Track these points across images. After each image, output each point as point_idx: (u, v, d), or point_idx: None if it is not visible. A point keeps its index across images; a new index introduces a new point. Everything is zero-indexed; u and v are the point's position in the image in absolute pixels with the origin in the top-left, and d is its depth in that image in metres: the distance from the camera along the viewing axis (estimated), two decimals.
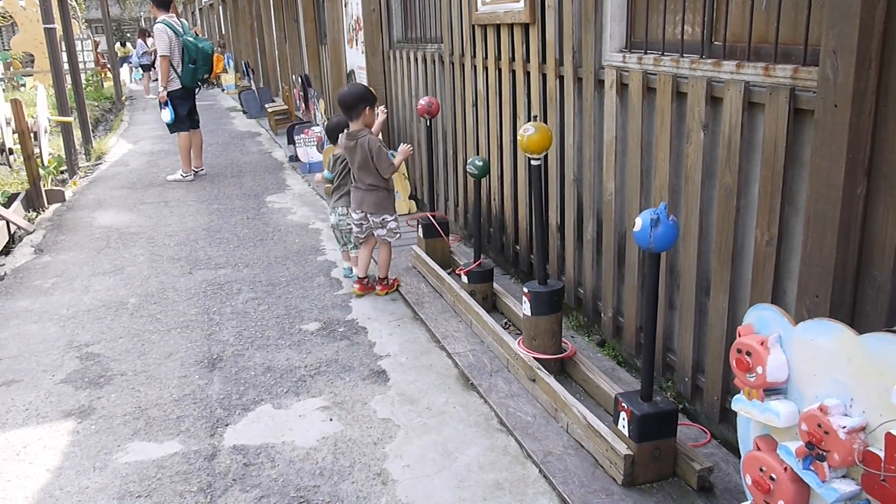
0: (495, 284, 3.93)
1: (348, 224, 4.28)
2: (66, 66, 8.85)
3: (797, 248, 2.23)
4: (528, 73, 3.80)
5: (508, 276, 4.41)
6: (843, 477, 1.63)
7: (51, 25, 7.89)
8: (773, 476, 1.78)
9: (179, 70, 7.31)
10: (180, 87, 7.36)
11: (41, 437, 2.92)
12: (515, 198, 4.17)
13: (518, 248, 4.22)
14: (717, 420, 2.62)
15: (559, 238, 3.73)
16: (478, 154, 4.57)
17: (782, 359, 1.76)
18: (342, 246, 4.50)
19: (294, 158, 8.20)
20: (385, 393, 3.12)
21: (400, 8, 6.01)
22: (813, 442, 1.62)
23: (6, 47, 20.64)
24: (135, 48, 21.20)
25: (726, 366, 2.50)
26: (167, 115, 7.36)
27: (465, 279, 3.87)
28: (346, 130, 4.02)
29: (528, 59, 3.77)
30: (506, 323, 3.72)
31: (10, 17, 16.34)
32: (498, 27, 4.05)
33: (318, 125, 7.90)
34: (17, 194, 6.52)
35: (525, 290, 3.07)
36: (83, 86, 10.47)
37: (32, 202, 6.54)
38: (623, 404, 2.41)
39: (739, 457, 1.96)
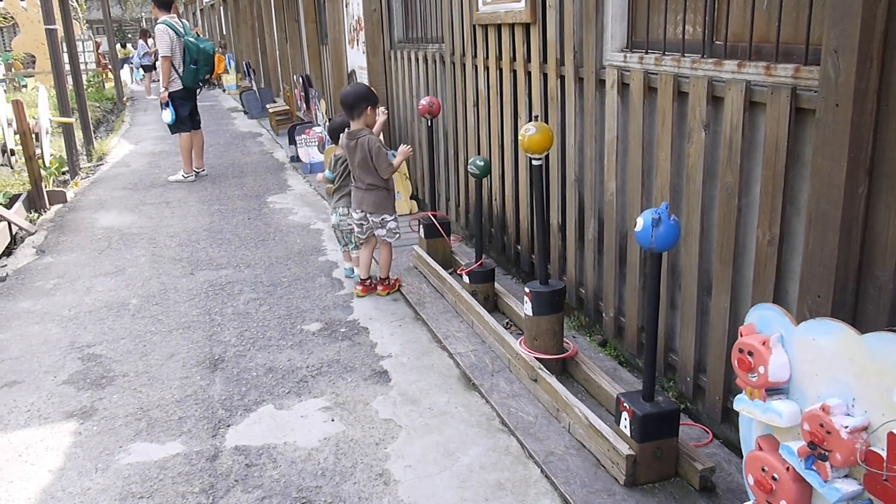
0: (497, 284, 3.93)
1: (349, 224, 4.28)
2: (67, 67, 8.86)
3: (799, 247, 2.23)
4: (529, 73, 3.80)
5: (510, 277, 4.41)
6: (846, 477, 1.63)
7: (52, 26, 7.91)
8: (776, 476, 1.78)
9: (181, 71, 7.31)
10: (181, 87, 7.37)
11: (43, 438, 2.92)
12: (517, 198, 4.17)
13: (519, 248, 4.22)
14: (719, 420, 2.62)
15: (560, 238, 3.73)
16: (479, 154, 4.57)
17: (784, 359, 1.76)
18: (343, 246, 4.50)
19: (295, 159, 8.20)
20: (387, 393, 3.12)
21: (401, 8, 6.02)
22: (815, 442, 1.62)
23: (7, 48, 20.66)
24: (136, 49, 21.24)
25: (728, 366, 2.50)
26: (168, 115, 7.37)
27: (466, 279, 3.87)
28: (346, 130, 4.02)
29: (529, 59, 3.77)
30: (507, 323, 3.72)
31: (12, 18, 16.35)
32: (499, 27, 4.05)
33: (319, 125, 7.90)
34: (19, 195, 6.53)
35: (526, 290, 3.07)
36: (84, 87, 10.48)
37: (34, 203, 6.55)
38: (625, 404, 2.41)
39: (741, 457, 1.95)
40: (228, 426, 2.93)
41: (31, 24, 14.54)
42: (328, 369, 3.36)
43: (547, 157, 3.46)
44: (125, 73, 20.77)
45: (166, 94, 7.31)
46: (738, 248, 2.46)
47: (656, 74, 2.76)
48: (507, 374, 3.17)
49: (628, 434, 2.40)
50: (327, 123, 6.99)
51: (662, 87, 2.72)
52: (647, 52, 2.90)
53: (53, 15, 8.01)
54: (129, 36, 35.14)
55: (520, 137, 2.92)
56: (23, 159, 6.62)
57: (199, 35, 8.14)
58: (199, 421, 2.98)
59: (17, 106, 6.43)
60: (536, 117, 3.11)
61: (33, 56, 15.82)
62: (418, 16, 5.63)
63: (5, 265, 5.11)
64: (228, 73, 17.19)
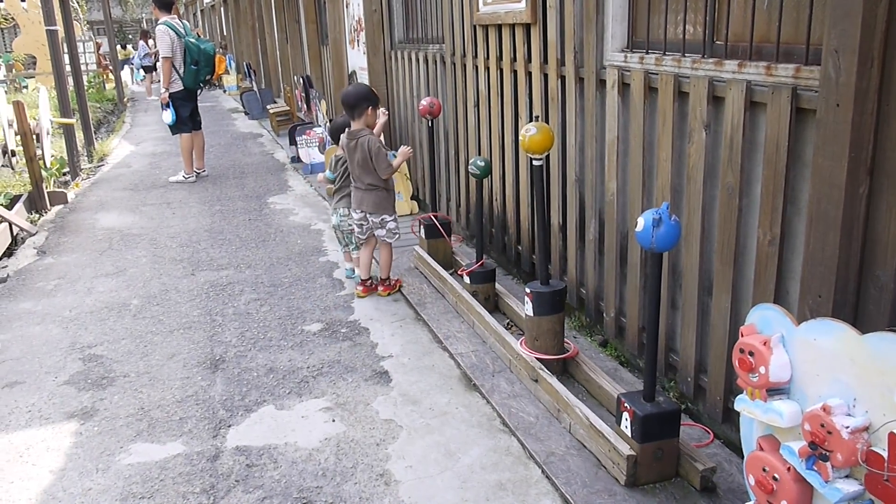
0: (497, 285, 3.93)
1: (350, 225, 4.28)
2: (68, 68, 8.86)
3: (799, 247, 2.23)
4: (529, 74, 3.80)
5: (510, 277, 4.41)
6: (847, 477, 1.63)
7: (53, 27, 7.91)
8: (777, 476, 1.78)
9: (181, 71, 7.32)
10: (182, 88, 7.37)
11: (44, 438, 2.92)
12: (517, 198, 4.17)
13: (520, 248, 4.22)
14: (720, 420, 2.61)
15: (561, 238, 3.73)
16: (479, 154, 4.57)
17: (785, 359, 1.75)
18: (344, 247, 4.50)
19: (296, 159, 8.21)
20: (387, 394, 3.12)
21: (401, 8, 6.02)
22: (816, 442, 1.62)
23: (8, 49, 20.67)
24: (136, 50, 21.24)
25: (729, 366, 2.50)
26: (168, 116, 7.37)
27: (467, 280, 3.87)
28: (347, 129, 4.03)
29: (529, 60, 3.77)
30: (508, 323, 3.72)
31: (12, 18, 16.36)
32: (499, 27, 4.05)
33: (319, 126, 7.90)
34: (20, 196, 6.54)
35: (527, 290, 3.07)
36: (85, 87, 10.48)
37: (35, 204, 6.56)
38: (626, 405, 2.40)
39: (742, 457, 1.95)
40: (229, 426, 2.93)
41: (32, 25, 14.55)
42: (329, 370, 3.36)
43: (547, 157, 3.46)
44: (125, 74, 20.79)
45: (167, 94, 7.31)
46: (738, 249, 2.46)
47: (657, 74, 2.76)
48: (508, 374, 3.17)
49: (629, 434, 2.40)
50: (328, 124, 6.99)
51: (663, 88, 2.72)
52: (647, 53, 2.90)
53: (54, 16, 8.02)
54: (130, 37, 35.15)
55: (520, 138, 2.92)
56: (24, 160, 6.63)
57: (199, 36, 8.15)
58: (199, 421, 2.98)
59: (18, 107, 6.43)
60: (537, 117, 3.11)
61: (34, 57, 15.82)
62: (419, 16, 5.63)
63: (6, 266, 5.11)
64: (229, 73, 17.20)
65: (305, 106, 9.30)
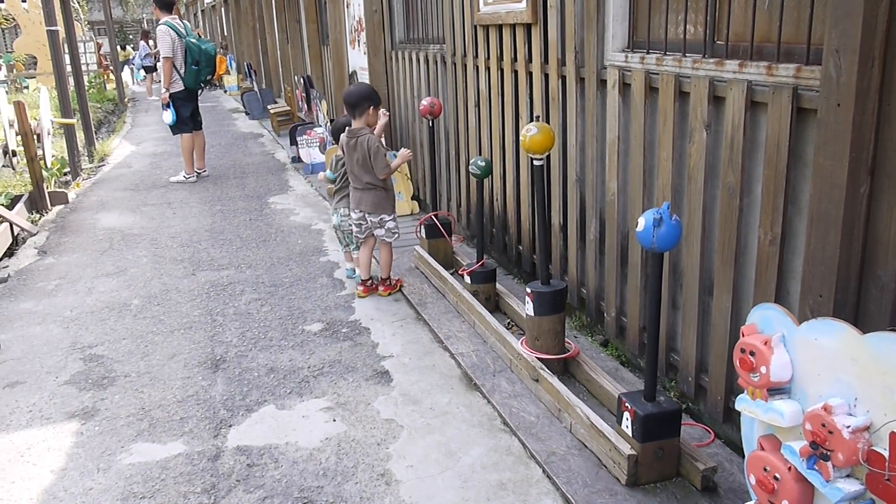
0: (498, 285, 3.93)
1: (350, 225, 4.28)
2: (68, 68, 8.87)
3: (800, 247, 2.23)
4: (530, 74, 3.80)
5: (511, 277, 4.41)
6: (848, 476, 1.63)
7: (53, 27, 7.92)
8: (777, 476, 1.78)
9: (182, 71, 7.32)
10: (183, 88, 7.37)
11: (45, 438, 2.92)
12: (518, 198, 4.17)
13: (521, 248, 4.22)
14: (721, 420, 2.61)
15: (562, 238, 3.73)
16: (480, 154, 4.58)
17: (786, 358, 1.75)
18: (344, 247, 4.50)
19: (296, 159, 8.21)
20: (388, 393, 3.12)
21: (402, 9, 6.02)
22: (817, 441, 1.62)
23: (9, 49, 20.67)
24: (137, 50, 21.25)
25: (730, 365, 2.50)
26: (169, 116, 7.38)
27: (467, 279, 3.87)
28: (347, 128, 4.03)
29: (530, 60, 3.77)
30: (509, 323, 3.72)
31: (13, 19, 16.37)
32: (500, 27, 4.05)
33: (320, 126, 7.90)
34: (21, 196, 6.54)
35: (528, 290, 3.07)
36: (86, 88, 10.49)
37: (36, 204, 6.56)
38: (626, 404, 2.40)
39: (743, 456, 1.95)
40: (230, 426, 2.93)
41: (33, 26, 14.56)
42: (330, 369, 3.36)
43: (548, 157, 3.46)
44: (125, 74, 20.79)
45: (167, 94, 7.31)
46: (739, 248, 2.46)
47: (658, 74, 2.76)
48: (509, 374, 3.17)
49: (630, 434, 2.40)
50: (329, 124, 7.00)
51: (664, 87, 2.72)
52: (648, 52, 2.90)
53: (55, 16, 8.02)
54: (131, 37, 35.16)
55: (521, 138, 2.92)
56: (24, 160, 6.63)
57: (200, 36, 8.15)
58: (200, 421, 2.98)
59: (19, 107, 6.44)
60: (538, 117, 3.11)
61: (35, 57, 15.84)
62: (419, 16, 5.63)
63: (7, 266, 5.11)
64: (230, 73, 17.20)
65: (306, 106, 9.30)
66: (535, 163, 2.95)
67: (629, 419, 2.39)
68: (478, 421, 2.88)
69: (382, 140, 4.09)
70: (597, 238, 3.38)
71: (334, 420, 2.94)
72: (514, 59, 3.94)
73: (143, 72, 18.74)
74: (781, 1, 2.27)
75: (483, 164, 3.73)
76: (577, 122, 3.40)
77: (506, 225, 4.38)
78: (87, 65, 16.80)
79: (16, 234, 5.73)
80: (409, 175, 5.92)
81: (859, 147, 1.85)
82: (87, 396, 3.23)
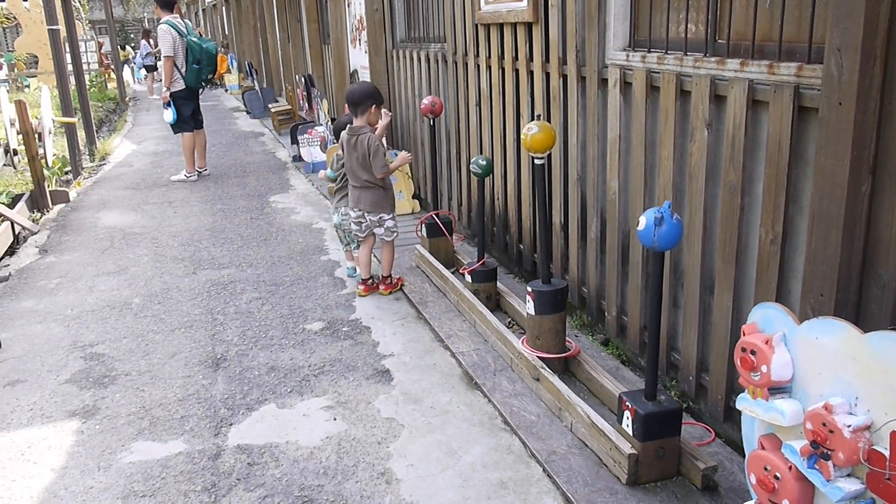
0: (499, 283, 3.93)
1: (350, 223, 4.28)
2: (69, 68, 8.87)
3: (802, 246, 2.22)
4: (531, 73, 3.80)
5: (512, 276, 4.41)
6: (848, 476, 1.63)
7: (54, 27, 7.92)
8: (778, 475, 1.78)
9: (183, 70, 7.32)
10: (184, 87, 7.38)
11: (46, 436, 2.92)
12: (519, 197, 4.17)
13: (522, 247, 4.22)
14: (722, 419, 2.61)
15: (563, 237, 3.72)
16: (481, 153, 4.57)
17: (787, 357, 1.75)
18: (345, 246, 4.50)
19: (297, 158, 8.21)
20: (389, 392, 3.12)
21: (403, 8, 6.02)
22: (818, 441, 1.62)
23: (10, 48, 20.68)
24: (138, 49, 21.26)
25: (731, 364, 2.50)
26: (169, 115, 7.38)
27: (468, 278, 3.87)
28: (348, 126, 4.03)
29: (531, 59, 3.77)
30: (510, 322, 3.72)
31: (14, 18, 16.38)
32: (501, 26, 4.05)
33: (321, 125, 7.90)
34: (22, 195, 6.55)
35: (529, 289, 3.07)
36: (87, 87, 10.49)
37: (37, 203, 6.56)
38: (627, 403, 2.40)
39: (744, 456, 1.95)
40: (231, 425, 2.93)
41: (34, 25, 14.56)
42: (330, 368, 3.36)
43: (549, 156, 3.46)
44: (126, 73, 20.80)
45: (168, 93, 7.32)
46: (740, 247, 2.46)
47: (659, 73, 2.76)
48: (510, 373, 3.17)
49: (630, 433, 2.40)
50: (330, 123, 6.99)
51: (665, 86, 2.71)
52: (649, 51, 2.90)
53: (56, 15, 8.02)
54: (132, 36, 35.16)
55: (522, 136, 2.91)
56: (26, 159, 6.63)
57: (201, 35, 8.15)
58: (201, 420, 2.98)
59: (20, 106, 6.44)
60: (539, 116, 3.11)
61: (36, 56, 15.84)
62: (420, 15, 5.63)
63: (8, 265, 5.12)
64: (231, 72, 17.21)
65: (307, 105, 9.30)
66: (537, 162, 2.95)
67: (630, 418, 2.39)
68: (478, 420, 2.88)
69: (383, 140, 4.08)
70: (598, 237, 3.37)
71: (335, 419, 2.94)
72: (516, 58, 3.94)
73: (143, 71, 18.75)
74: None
75: (484, 162, 3.73)
76: (578, 121, 3.40)
77: (507, 224, 4.38)
78: (89, 64, 16.78)
79: (17, 232, 5.74)
80: (409, 174, 5.92)
81: (861, 146, 1.85)
82: (87, 395, 3.23)
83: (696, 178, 2.61)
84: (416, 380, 3.22)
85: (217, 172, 8.07)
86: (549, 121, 3.65)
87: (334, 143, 4.96)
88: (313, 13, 9.71)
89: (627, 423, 2.41)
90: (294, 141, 8.16)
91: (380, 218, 4.06)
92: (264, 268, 4.80)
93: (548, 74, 3.64)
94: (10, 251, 5.44)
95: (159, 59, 7.83)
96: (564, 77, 3.47)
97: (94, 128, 10.15)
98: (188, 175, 7.72)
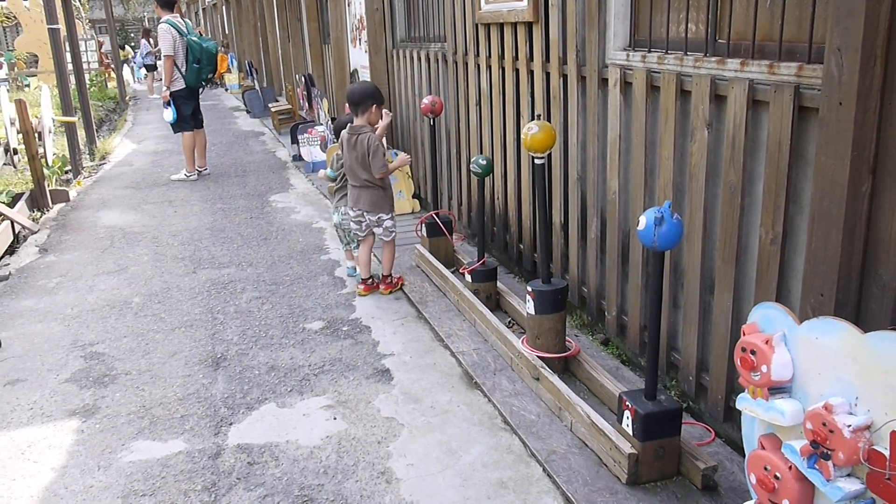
0: (499, 283, 3.93)
1: (350, 223, 4.28)
2: (69, 67, 8.87)
3: (802, 246, 2.22)
4: (531, 72, 3.80)
5: (512, 275, 4.41)
6: (848, 475, 1.63)
7: (55, 26, 7.92)
8: (778, 475, 1.78)
9: (183, 70, 7.32)
10: (184, 86, 7.38)
11: (46, 435, 2.92)
12: (519, 196, 4.17)
13: (522, 246, 4.22)
14: (722, 419, 2.61)
15: (563, 237, 3.72)
16: (481, 153, 4.57)
17: (787, 357, 1.75)
18: (345, 245, 4.50)
19: (298, 158, 8.21)
20: (389, 392, 3.12)
21: (403, 7, 6.01)
22: (818, 440, 1.62)
23: (10, 48, 20.68)
24: (138, 49, 21.26)
25: (731, 364, 2.50)
26: (169, 114, 7.38)
27: (468, 278, 3.87)
28: (349, 125, 4.03)
29: (531, 58, 3.77)
30: (510, 322, 3.72)
31: (14, 17, 16.37)
32: (501, 26, 4.05)
33: (321, 124, 7.90)
34: (22, 194, 6.55)
35: (529, 288, 3.07)
36: (87, 86, 10.48)
37: (37, 202, 6.56)
38: (627, 403, 2.40)
39: (744, 455, 1.95)
40: (231, 424, 2.93)
41: (34, 24, 14.56)
42: (330, 368, 3.36)
43: (549, 155, 3.46)
44: (126, 72, 20.80)
45: (168, 92, 7.32)
46: (740, 247, 2.46)
47: (659, 73, 2.76)
48: (510, 372, 3.17)
49: (630, 433, 2.40)
50: (330, 122, 6.99)
51: (665, 86, 2.71)
52: (649, 51, 2.90)
53: (56, 14, 8.02)
54: (132, 35, 35.15)
55: (522, 136, 2.91)
56: (26, 158, 6.63)
57: (201, 34, 8.15)
58: (201, 419, 2.98)
59: (20, 105, 6.44)
60: (539, 116, 3.11)
61: (36, 56, 15.83)
62: (420, 15, 5.63)
63: (8, 264, 5.12)
64: (231, 72, 17.20)
65: (307, 104, 9.30)
66: (537, 161, 2.95)
67: (630, 418, 2.39)
68: (478, 419, 2.88)
69: (384, 140, 4.08)
70: (598, 237, 3.38)
71: (335, 418, 2.94)
72: (516, 58, 3.94)
73: (143, 70, 18.74)
74: None
75: (484, 162, 3.73)
76: (578, 121, 3.40)
77: (507, 223, 4.38)
78: (89, 63, 16.78)
79: (17, 231, 5.74)
80: (409, 173, 5.92)
81: (861, 146, 1.85)
82: (87, 394, 3.23)
83: (697, 177, 2.61)
84: (416, 379, 3.22)
85: (217, 172, 8.07)
86: (549, 120, 3.65)
87: (334, 142, 4.96)
88: (313, 12, 9.71)
89: (627, 422, 2.41)
90: (294, 140, 8.16)
91: (378, 218, 4.06)
92: (264, 267, 4.80)
93: (548, 74, 3.64)
94: (10, 250, 5.44)
95: (159, 59, 7.81)
96: (565, 77, 3.47)
97: (95, 127, 10.15)
98: (188, 174, 7.71)
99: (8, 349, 3.73)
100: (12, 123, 6.80)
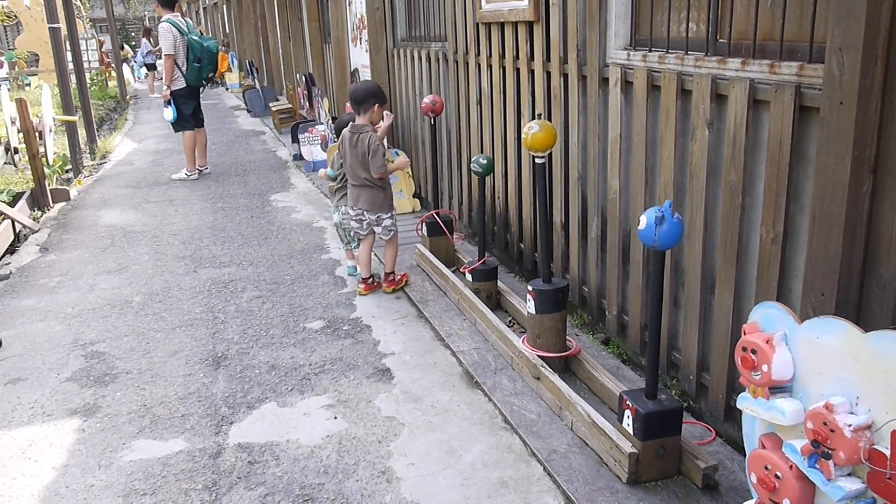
0: (499, 282, 3.93)
1: (350, 222, 4.28)
2: (70, 66, 8.86)
3: (802, 245, 2.22)
4: (532, 72, 3.80)
5: (513, 275, 4.41)
6: (849, 475, 1.63)
7: (55, 25, 7.92)
8: (779, 474, 1.78)
9: (184, 69, 7.32)
10: (185, 85, 7.37)
11: (47, 435, 2.93)
12: (520, 196, 4.17)
13: (522, 246, 4.22)
14: (722, 418, 2.61)
15: (563, 236, 3.72)
16: (482, 152, 4.57)
17: (788, 357, 1.75)
18: (346, 245, 4.50)
19: (298, 157, 8.21)
20: (389, 391, 3.12)
21: (404, 6, 6.01)
22: (818, 440, 1.62)
23: (11, 47, 20.69)
24: (139, 48, 21.26)
25: (731, 364, 2.50)
26: (169, 113, 7.38)
27: (469, 277, 3.87)
28: (351, 123, 4.03)
29: (532, 58, 3.76)
30: (510, 321, 3.72)
31: (15, 16, 16.38)
32: (502, 25, 4.05)
33: (322, 124, 7.90)
34: (23, 193, 6.55)
35: (529, 288, 3.07)
36: (88, 85, 10.49)
37: (37, 201, 6.56)
38: (628, 402, 2.40)
39: (744, 455, 1.95)
40: (231, 423, 2.93)
41: (35, 23, 14.56)
42: (331, 367, 3.36)
43: (550, 155, 3.46)
44: (126, 71, 20.81)
45: (168, 91, 7.32)
46: (741, 246, 2.46)
47: (660, 72, 2.76)
48: (510, 372, 3.17)
49: (631, 432, 2.40)
50: (330, 122, 6.99)
51: (666, 85, 2.71)
52: (650, 50, 2.89)
53: (57, 13, 8.02)
54: (133, 34, 35.15)
55: (523, 135, 2.91)
56: (26, 157, 6.64)
57: (202, 33, 8.15)
58: (202, 418, 2.98)
59: (21, 104, 6.44)
60: (539, 115, 3.11)
61: (37, 55, 15.85)
62: (421, 14, 5.63)
63: (9, 263, 5.12)
64: (231, 71, 17.20)
65: (308, 104, 9.30)
66: (537, 161, 2.95)
67: (630, 417, 2.39)
68: (479, 419, 2.88)
69: (385, 141, 4.08)
70: (598, 236, 3.38)
71: (335, 417, 2.94)
72: (517, 57, 3.94)
73: (144, 69, 18.74)
74: None
75: (485, 161, 3.73)
76: (578, 120, 3.40)
77: (507, 223, 4.38)
78: (89, 62, 16.80)
79: (18, 231, 5.74)
80: (410, 173, 5.92)
81: (862, 145, 1.85)
82: (88, 393, 3.24)
83: (697, 177, 2.61)
84: (417, 378, 3.22)
85: (218, 171, 8.07)
86: (549, 120, 3.65)
87: (335, 141, 4.96)
88: (314, 12, 9.71)
89: (628, 422, 2.41)
90: (295, 139, 8.16)
91: (378, 217, 4.06)
92: (265, 266, 4.80)
93: (549, 73, 3.64)
94: (11, 249, 5.44)
95: (160, 58, 7.81)
96: (565, 76, 3.47)
97: (95, 126, 10.15)
98: (189, 173, 7.71)
99: (9, 348, 3.73)
100: (13, 122, 6.81)
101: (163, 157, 9.19)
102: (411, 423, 2.87)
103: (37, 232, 5.86)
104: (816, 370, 1.69)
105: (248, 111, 12.91)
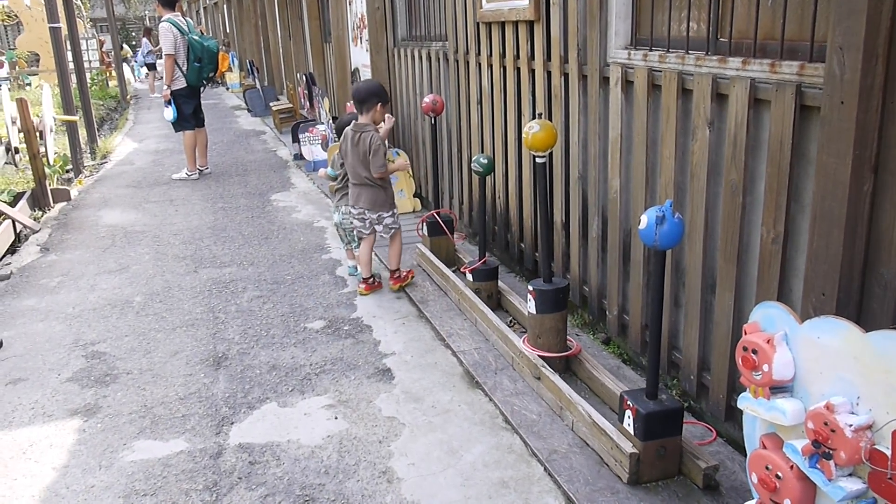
0: (500, 282, 3.93)
1: (352, 222, 4.28)
2: (71, 66, 8.87)
3: (803, 245, 2.22)
4: (532, 71, 3.79)
5: (513, 274, 4.41)
6: (850, 475, 1.63)
7: (56, 25, 7.92)
8: (780, 474, 1.78)
9: (185, 68, 7.32)
10: (185, 85, 7.38)
11: (47, 435, 2.93)
12: (520, 195, 4.16)
13: (523, 245, 4.22)
14: (723, 418, 2.61)
15: (564, 236, 3.72)
16: (482, 152, 4.57)
17: (788, 357, 1.75)
18: (346, 244, 4.50)
19: (299, 157, 8.21)
20: (390, 391, 3.12)
21: (404, 6, 6.01)
22: (819, 440, 1.61)
23: (12, 46, 20.69)
24: (139, 48, 21.27)
25: (732, 364, 2.50)
26: (169, 113, 7.38)
27: (469, 277, 3.87)
28: (353, 122, 4.03)
29: (532, 57, 3.76)
30: (511, 321, 3.72)
31: (16, 16, 16.38)
32: (503, 24, 4.05)
33: (322, 123, 7.90)
34: (23, 193, 6.55)
35: (530, 288, 3.07)
36: (88, 85, 10.49)
37: (38, 201, 6.57)
38: (628, 402, 2.40)
39: (745, 455, 1.95)
40: (232, 424, 2.93)
41: (35, 23, 14.56)
42: (331, 367, 3.36)
43: (550, 154, 3.46)
44: (126, 71, 20.81)
45: (168, 91, 7.32)
46: (742, 246, 2.46)
47: (660, 72, 2.75)
48: (511, 372, 3.17)
49: (632, 432, 2.40)
50: (331, 121, 6.99)
51: (666, 85, 2.71)
52: (651, 50, 2.89)
53: (57, 13, 8.03)
54: (133, 34, 35.15)
55: (524, 135, 2.91)
56: (27, 157, 6.64)
57: (202, 33, 8.15)
58: (202, 418, 2.98)
59: (22, 104, 6.44)
60: (540, 115, 3.11)
61: (37, 54, 15.85)
62: (422, 13, 5.62)
63: (10, 263, 5.12)
64: (232, 71, 17.21)
65: (308, 103, 9.30)
66: (538, 160, 2.95)
67: (631, 417, 2.39)
68: (479, 419, 2.88)
69: (386, 142, 4.08)
70: (599, 236, 3.37)
71: (336, 418, 2.94)
72: (517, 57, 3.94)
73: (144, 69, 18.75)
74: None
75: (485, 161, 3.73)
76: (579, 120, 3.40)
77: (508, 222, 4.37)
78: (90, 62, 16.80)
79: (18, 231, 5.74)
80: (411, 172, 5.92)
81: (863, 145, 1.85)
82: (89, 393, 3.24)
83: (698, 176, 2.61)
84: (418, 379, 3.22)
85: (218, 171, 8.07)
86: (550, 119, 3.65)
87: (335, 141, 4.96)
88: (314, 11, 9.70)
89: (629, 422, 2.40)
90: (295, 139, 8.16)
91: (379, 216, 4.06)
92: (265, 266, 4.80)
93: (549, 73, 3.63)
94: (12, 249, 5.44)
95: (160, 58, 7.81)
96: (566, 75, 3.47)
97: (96, 126, 10.15)
98: (189, 173, 7.72)
99: (9, 348, 3.73)
100: (13, 122, 6.81)
101: (163, 156, 9.19)
102: (412, 423, 2.87)
103: (37, 232, 5.87)
104: (817, 370, 1.69)
105: (249, 111, 12.92)
